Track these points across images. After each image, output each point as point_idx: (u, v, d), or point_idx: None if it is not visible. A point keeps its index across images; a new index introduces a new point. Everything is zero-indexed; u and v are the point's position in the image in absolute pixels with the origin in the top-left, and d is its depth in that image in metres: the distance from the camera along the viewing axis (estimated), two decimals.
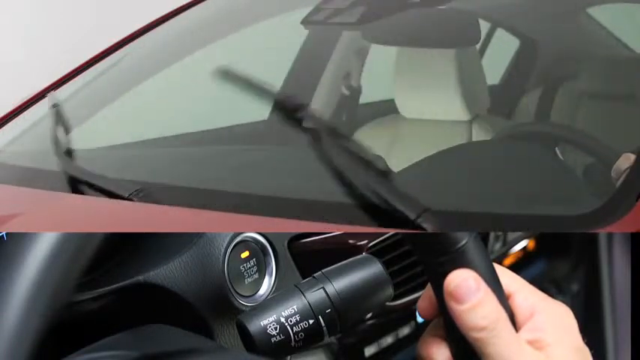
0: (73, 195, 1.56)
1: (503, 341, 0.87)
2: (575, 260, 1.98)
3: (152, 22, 2.13)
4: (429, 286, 0.94)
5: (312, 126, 1.45)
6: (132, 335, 1.12)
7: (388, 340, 1.46)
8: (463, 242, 0.89)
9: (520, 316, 0.91)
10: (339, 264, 1.23)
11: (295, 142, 1.71)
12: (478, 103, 2.05)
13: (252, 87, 1.58)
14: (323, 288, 1.18)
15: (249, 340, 1.15)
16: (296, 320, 1.15)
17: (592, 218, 1.31)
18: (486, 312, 0.88)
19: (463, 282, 0.88)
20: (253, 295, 1.30)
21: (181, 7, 2.18)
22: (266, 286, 1.31)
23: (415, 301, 1.33)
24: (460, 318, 0.88)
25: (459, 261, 0.89)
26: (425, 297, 0.94)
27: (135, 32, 2.11)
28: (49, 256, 0.73)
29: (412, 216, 1.29)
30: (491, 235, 1.64)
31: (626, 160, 1.44)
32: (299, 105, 1.48)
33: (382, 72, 2.24)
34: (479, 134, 2.02)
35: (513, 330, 0.89)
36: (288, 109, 1.49)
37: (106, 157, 1.90)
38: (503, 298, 0.92)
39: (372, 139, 2.13)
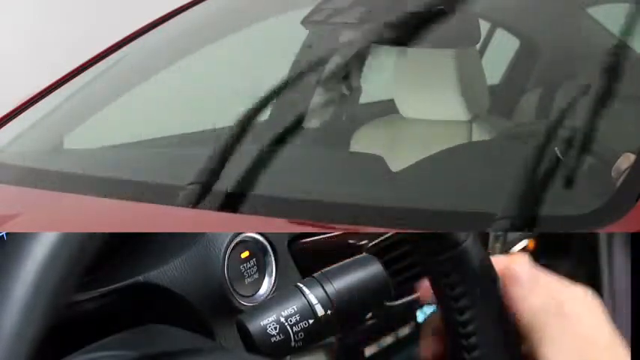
0: (73, 195, 1.56)
1: (555, 322, 0.90)
2: (575, 260, 1.98)
3: (152, 22, 2.13)
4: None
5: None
6: (132, 335, 1.12)
7: (388, 340, 1.46)
8: (463, 242, 0.89)
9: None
10: (339, 264, 1.23)
11: (295, 143, 1.71)
12: (478, 103, 2.05)
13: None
14: (323, 288, 1.18)
15: (249, 340, 1.15)
16: (296, 320, 1.15)
17: (592, 218, 1.31)
18: (542, 295, 0.91)
19: (521, 267, 0.92)
20: (253, 295, 1.30)
21: (181, 7, 2.18)
22: (266, 286, 1.31)
23: (415, 301, 1.34)
24: (518, 303, 0.91)
25: (459, 260, 0.89)
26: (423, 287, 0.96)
27: (135, 32, 2.11)
28: (48, 256, 0.73)
29: None
30: (491, 235, 1.64)
31: (626, 160, 1.44)
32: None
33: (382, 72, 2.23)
34: (479, 134, 2.01)
35: (562, 313, 0.91)
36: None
37: (106, 157, 1.90)
38: (499, 298, 0.92)
39: (372, 139, 2.13)
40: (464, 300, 0.89)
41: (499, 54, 2.56)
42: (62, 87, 2.01)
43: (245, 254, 1.30)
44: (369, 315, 1.32)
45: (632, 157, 1.43)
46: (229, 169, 1.64)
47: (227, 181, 1.54)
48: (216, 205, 1.44)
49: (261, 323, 1.15)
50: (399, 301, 1.41)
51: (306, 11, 2.10)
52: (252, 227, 1.31)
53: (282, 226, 1.36)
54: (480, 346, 0.90)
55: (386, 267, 1.25)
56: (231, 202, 1.45)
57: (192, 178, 1.50)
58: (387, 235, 1.41)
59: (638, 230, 1.30)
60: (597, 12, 2.52)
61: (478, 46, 2.28)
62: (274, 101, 2.39)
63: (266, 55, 2.51)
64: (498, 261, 0.94)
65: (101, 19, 3.83)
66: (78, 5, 4.06)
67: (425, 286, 0.96)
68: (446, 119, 2.03)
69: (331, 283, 1.18)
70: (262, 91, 2.45)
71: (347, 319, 1.19)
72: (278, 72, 2.44)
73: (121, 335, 1.12)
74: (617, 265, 1.89)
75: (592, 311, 0.92)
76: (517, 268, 0.92)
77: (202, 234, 1.27)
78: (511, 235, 1.76)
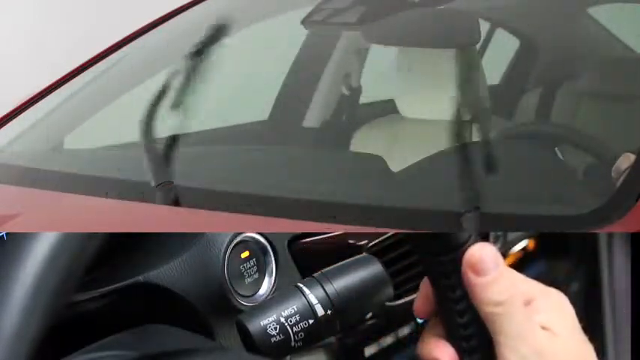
0: (73, 195, 1.56)
1: (517, 317, 0.87)
2: (575, 260, 1.98)
3: (152, 23, 2.13)
4: (423, 286, 0.94)
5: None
6: (132, 335, 1.12)
7: (388, 340, 1.46)
8: (464, 243, 0.89)
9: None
10: (339, 264, 1.23)
11: (295, 143, 1.71)
12: (478, 103, 2.05)
13: None
14: (323, 288, 1.18)
15: (249, 340, 1.15)
16: (296, 320, 1.15)
17: (592, 218, 1.31)
18: (504, 287, 0.88)
19: (485, 255, 0.88)
20: (253, 295, 1.30)
21: (181, 7, 2.18)
22: (266, 286, 1.31)
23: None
24: (478, 292, 0.88)
25: (460, 261, 0.89)
26: (420, 297, 0.94)
27: (135, 32, 2.11)
28: (49, 256, 0.73)
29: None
30: (492, 235, 1.64)
31: (626, 160, 1.44)
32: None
33: (382, 72, 2.24)
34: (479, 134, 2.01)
35: (525, 308, 0.89)
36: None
37: (106, 157, 1.90)
38: None
39: (372, 139, 2.13)
40: (464, 302, 0.89)
41: (499, 54, 2.56)
42: (62, 87, 2.01)
43: (245, 254, 1.30)
44: (369, 315, 1.32)
45: (632, 157, 1.43)
46: (227, 169, 1.65)
47: (225, 182, 1.54)
48: (216, 205, 1.44)
49: (261, 323, 1.15)
50: (399, 301, 1.41)
51: (306, 11, 2.10)
52: (252, 227, 1.31)
53: (282, 226, 1.36)
54: (480, 348, 0.90)
55: (386, 267, 1.25)
56: (230, 203, 1.45)
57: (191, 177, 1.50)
58: (387, 235, 1.41)
59: (638, 230, 1.30)
60: (597, 12, 2.52)
61: (478, 46, 2.28)
62: (274, 101, 2.40)
63: (266, 55, 2.51)
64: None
65: (101, 19, 3.83)
66: (78, 5, 4.06)
67: (419, 305, 0.94)
68: (446, 119, 2.03)
69: (331, 283, 1.19)
70: (262, 91, 2.46)
71: (347, 319, 1.19)
72: (278, 72, 2.45)
73: (121, 335, 1.12)
74: (617, 265, 1.89)
75: (564, 314, 0.90)
76: (483, 255, 0.88)
77: (202, 234, 1.27)
78: (511, 235, 1.76)
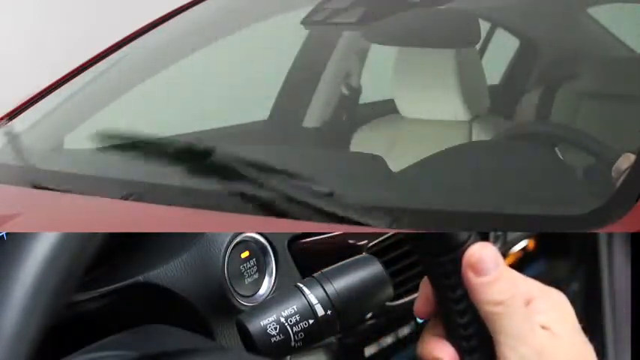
0: (73, 195, 1.56)
1: (517, 317, 0.87)
2: (575, 260, 1.98)
3: (152, 22, 2.13)
4: (422, 287, 0.94)
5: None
6: (132, 335, 1.12)
7: (388, 340, 1.46)
8: (464, 243, 0.89)
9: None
10: (339, 264, 1.23)
11: (295, 142, 1.71)
12: (478, 103, 2.05)
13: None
14: (323, 288, 1.18)
15: (249, 340, 1.15)
16: (296, 320, 1.15)
17: (592, 218, 1.31)
18: (505, 286, 0.88)
19: (485, 255, 0.88)
20: (253, 295, 1.30)
21: (181, 7, 2.18)
22: (266, 286, 1.31)
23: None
24: (478, 291, 0.88)
25: (460, 261, 0.89)
26: (421, 297, 0.94)
27: (135, 32, 2.11)
28: (49, 256, 0.73)
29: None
30: (492, 235, 1.64)
31: (626, 160, 1.45)
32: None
33: (382, 72, 2.24)
34: (479, 134, 2.02)
35: (525, 308, 0.89)
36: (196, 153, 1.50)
37: (105, 157, 1.90)
38: None
39: (371, 139, 2.13)
40: (464, 302, 0.89)
41: (499, 54, 2.56)
42: (62, 87, 2.01)
43: (245, 254, 1.30)
44: (369, 315, 1.32)
45: (632, 157, 1.43)
46: (228, 169, 1.64)
47: (225, 182, 1.54)
48: (218, 205, 1.44)
49: (261, 323, 1.15)
50: (399, 301, 1.41)
51: (306, 11, 2.10)
52: (252, 227, 1.32)
53: (282, 226, 1.36)
54: (480, 348, 0.90)
55: (386, 267, 1.25)
56: (230, 202, 1.45)
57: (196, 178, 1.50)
58: (387, 235, 1.41)
59: (638, 230, 1.30)
60: (597, 12, 2.52)
61: (478, 46, 2.28)
62: (274, 101, 2.40)
63: (266, 55, 2.51)
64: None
65: (101, 19, 3.84)
66: (78, 5, 4.06)
67: (419, 305, 0.94)
68: (446, 119, 2.03)
69: (331, 283, 1.19)
70: (262, 91, 2.45)
71: (347, 319, 1.19)
72: (278, 72, 2.45)
73: (121, 335, 1.12)
74: (617, 265, 1.89)
75: (564, 314, 0.90)
76: (483, 255, 0.88)
77: (202, 234, 1.27)
78: (511, 235, 1.76)
